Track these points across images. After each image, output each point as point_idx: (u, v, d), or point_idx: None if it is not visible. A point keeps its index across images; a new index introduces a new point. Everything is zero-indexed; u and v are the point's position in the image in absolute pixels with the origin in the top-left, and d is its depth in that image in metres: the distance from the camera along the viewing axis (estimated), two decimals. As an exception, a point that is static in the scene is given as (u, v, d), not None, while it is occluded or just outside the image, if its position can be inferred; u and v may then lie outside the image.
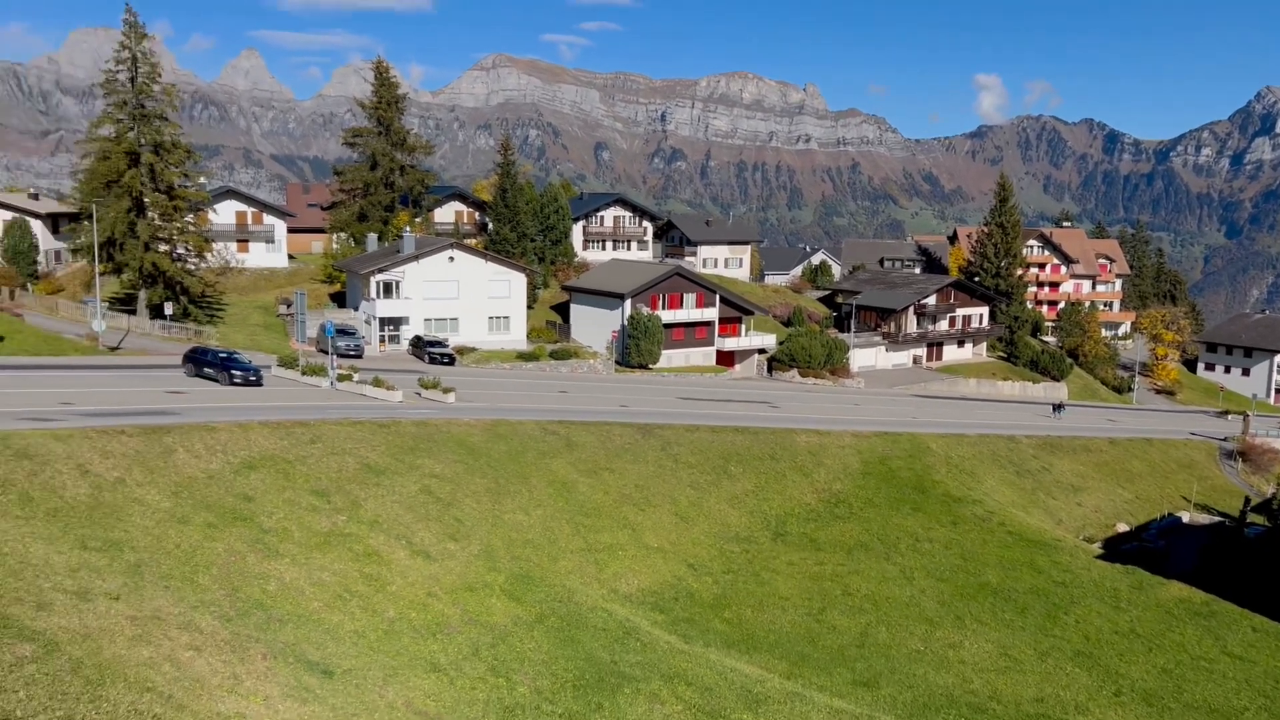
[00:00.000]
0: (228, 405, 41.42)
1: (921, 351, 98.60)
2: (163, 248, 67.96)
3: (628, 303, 77.87)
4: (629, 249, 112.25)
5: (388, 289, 73.20)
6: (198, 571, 24.66)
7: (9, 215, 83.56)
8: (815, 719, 24.41)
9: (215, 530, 27.53)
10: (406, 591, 27.97)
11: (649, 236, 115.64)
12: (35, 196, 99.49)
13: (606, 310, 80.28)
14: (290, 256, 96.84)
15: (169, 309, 67.58)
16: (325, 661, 21.98)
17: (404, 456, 38.46)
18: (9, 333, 55.43)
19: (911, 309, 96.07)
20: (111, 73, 66.19)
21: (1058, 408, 79.82)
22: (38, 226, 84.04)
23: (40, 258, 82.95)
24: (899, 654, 32.35)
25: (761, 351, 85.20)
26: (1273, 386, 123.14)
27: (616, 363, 77.24)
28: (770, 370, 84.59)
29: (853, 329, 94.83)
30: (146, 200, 66.66)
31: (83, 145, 71.85)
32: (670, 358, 79.17)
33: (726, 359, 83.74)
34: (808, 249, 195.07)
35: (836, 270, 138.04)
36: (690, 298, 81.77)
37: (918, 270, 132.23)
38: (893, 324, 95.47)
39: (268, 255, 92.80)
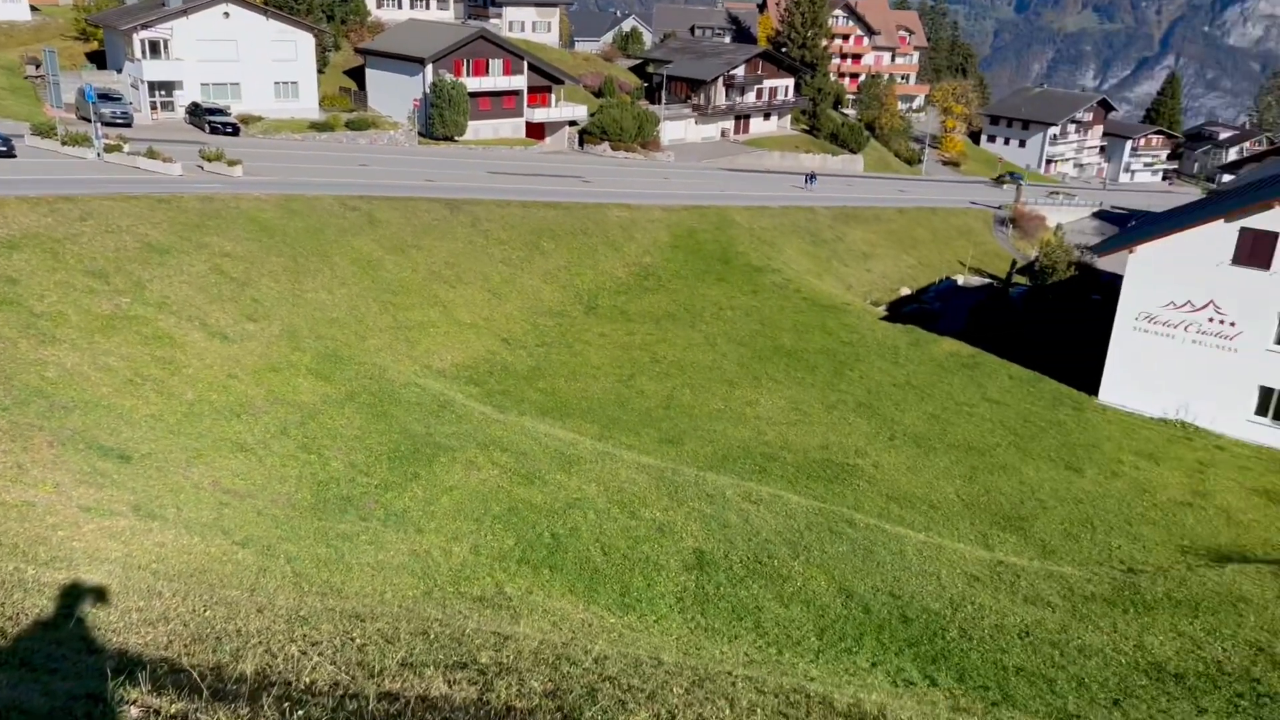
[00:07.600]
0: (-25, 180, 36.90)
1: (730, 124, 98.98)
2: None
3: (429, 68, 73.23)
4: (428, 8, 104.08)
5: (155, 48, 65.46)
6: (-39, 361, 22.68)
7: None
8: (624, 474, 25.89)
9: (-23, 317, 25.17)
10: (205, 374, 26.90)
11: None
12: None
13: (406, 77, 75.31)
14: (33, 8, 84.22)
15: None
16: (120, 447, 21.12)
17: (189, 234, 35.88)
18: None
19: (721, 80, 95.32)
20: None
21: (810, 178, 78.56)
22: None
23: None
24: (701, 413, 34.43)
25: (572, 124, 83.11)
26: (1044, 158, 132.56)
27: (420, 134, 73.54)
28: (581, 143, 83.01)
29: (664, 100, 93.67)
30: None
31: None
32: (478, 129, 75.99)
33: (536, 131, 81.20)
34: (619, 14, 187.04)
35: (648, 38, 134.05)
36: (497, 64, 77.69)
37: (728, 39, 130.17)
38: (702, 96, 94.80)
39: (4, 6, 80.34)
